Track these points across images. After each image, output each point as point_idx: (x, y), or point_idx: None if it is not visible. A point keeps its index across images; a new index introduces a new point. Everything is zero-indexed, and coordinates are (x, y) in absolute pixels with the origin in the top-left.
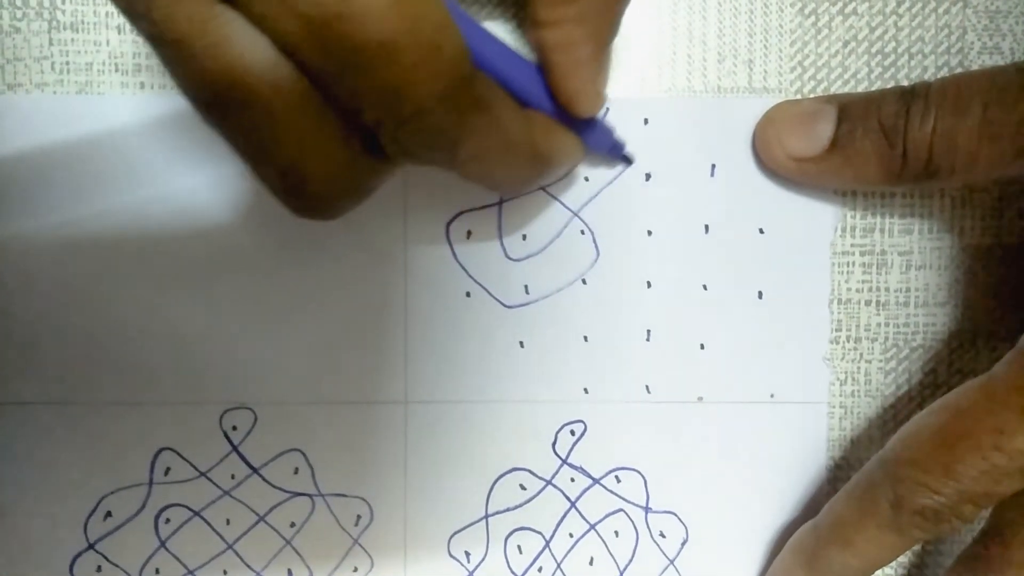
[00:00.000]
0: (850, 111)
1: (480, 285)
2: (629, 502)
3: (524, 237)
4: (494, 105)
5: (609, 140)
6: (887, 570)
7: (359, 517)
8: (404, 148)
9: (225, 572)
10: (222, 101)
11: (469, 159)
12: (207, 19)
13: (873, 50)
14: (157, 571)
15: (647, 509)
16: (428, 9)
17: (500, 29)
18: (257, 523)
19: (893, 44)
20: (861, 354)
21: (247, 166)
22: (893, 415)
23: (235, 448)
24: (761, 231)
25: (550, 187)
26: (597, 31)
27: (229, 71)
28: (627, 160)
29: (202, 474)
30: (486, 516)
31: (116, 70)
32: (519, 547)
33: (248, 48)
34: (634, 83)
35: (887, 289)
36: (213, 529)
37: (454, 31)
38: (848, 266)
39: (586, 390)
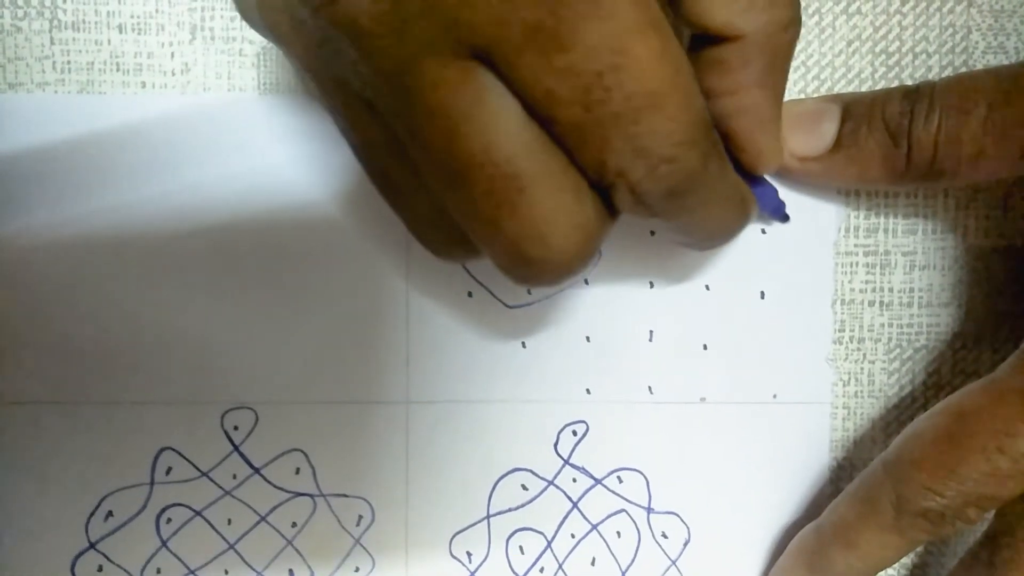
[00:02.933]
0: (854, 110)
1: (482, 285)
2: (631, 502)
3: None
4: (723, 153)
5: (775, 200)
6: (889, 572)
7: (360, 517)
8: (642, 197)
9: (226, 572)
10: (466, 169)
11: (699, 205)
12: (467, 84)
13: (877, 49)
14: (158, 571)
15: (649, 510)
16: (683, 57)
17: None
18: (258, 523)
19: (897, 43)
20: (864, 355)
21: (479, 235)
22: (896, 416)
23: (236, 448)
24: (764, 231)
25: None
26: (773, 90)
27: (481, 137)
28: (785, 219)
29: (203, 474)
30: (488, 516)
31: (117, 69)
32: (521, 547)
33: (502, 111)
34: None
35: (891, 289)
36: (214, 529)
37: (696, 82)
38: (851, 266)
39: (588, 390)
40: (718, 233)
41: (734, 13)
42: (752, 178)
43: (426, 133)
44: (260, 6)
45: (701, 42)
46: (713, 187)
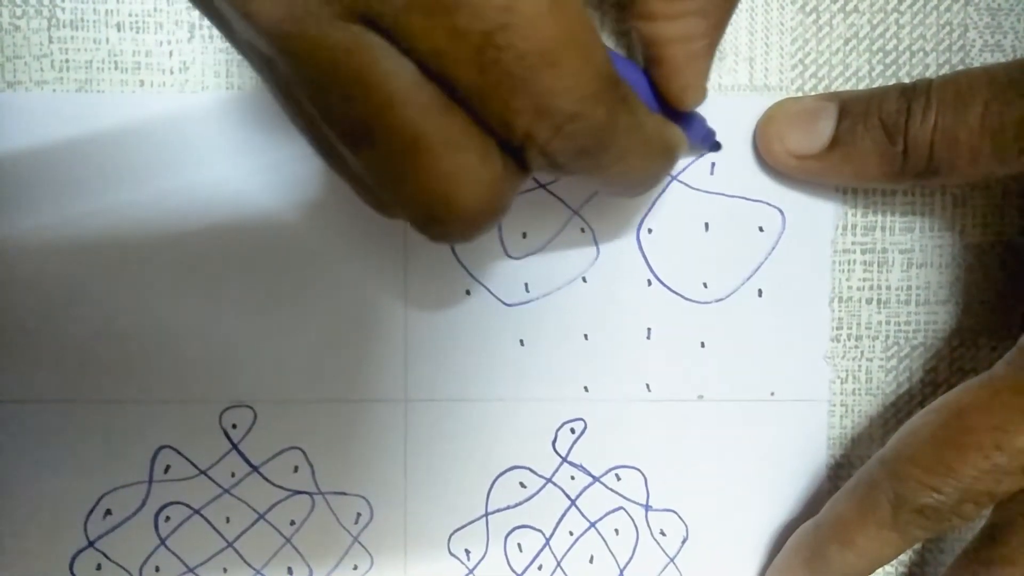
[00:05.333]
0: (851, 108)
1: (480, 283)
2: (629, 500)
3: (524, 235)
4: (634, 103)
5: (704, 129)
6: (888, 568)
7: (359, 515)
8: (552, 157)
9: (225, 570)
10: (367, 130)
11: (614, 160)
12: (358, 47)
13: (874, 47)
14: (157, 569)
15: (647, 507)
16: (580, 13)
17: None
18: (257, 521)
19: (894, 42)
20: (862, 352)
21: (385, 194)
22: (894, 413)
23: (235, 446)
24: (761, 229)
25: (551, 185)
26: (717, 22)
27: (375, 98)
28: (717, 147)
29: (202, 472)
30: (486, 514)
31: (116, 68)
32: (519, 545)
33: (394, 72)
34: None
35: (888, 287)
36: (213, 527)
37: (598, 34)
38: (849, 264)
39: (586, 388)
40: (644, 181)
41: None
42: (679, 112)
43: (321, 99)
44: None
45: None
46: (627, 140)
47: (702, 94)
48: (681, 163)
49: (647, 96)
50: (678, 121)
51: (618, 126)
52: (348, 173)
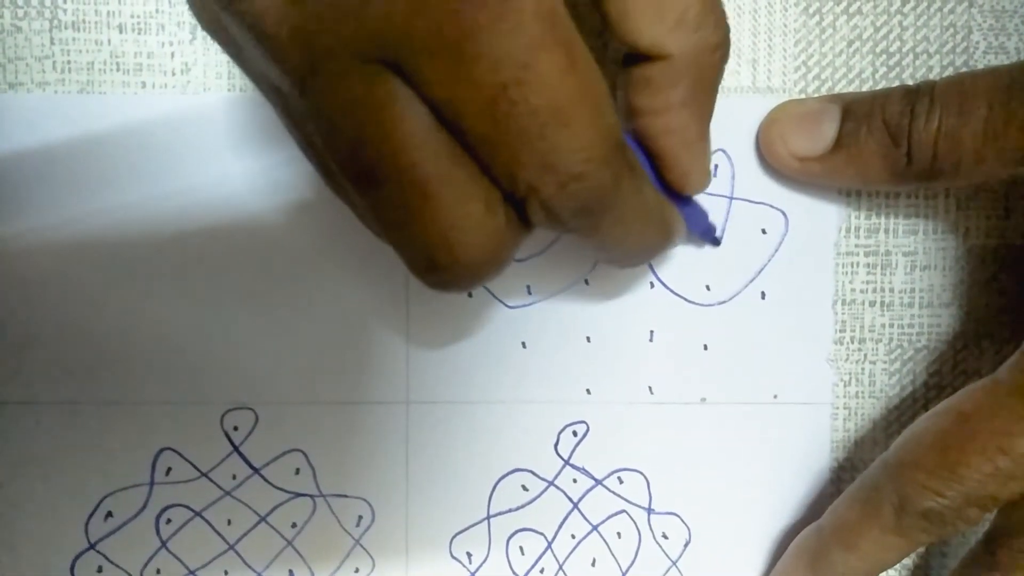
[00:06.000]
0: (854, 110)
1: (482, 285)
2: (632, 503)
3: None
4: (639, 171)
5: (705, 223)
6: (891, 573)
7: (360, 518)
8: (554, 214)
9: (226, 573)
10: (380, 173)
11: (613, 224)
12: (374, 89)
13: (878, 50)
14: (158, 571)
15: (650, 510)
16: (595, 75)
17: None
18: (258, 524)
19: (898, 44)
20: (865, 355)
21: (389, 239)
22: (897, 417)
23: (236, 448)
24: (764, 231)
25: None
26: (700, 111)
27: (388, 141)
28: (716, 242)
29: (203, 474)
30: (488, 517)
31: (118, 69)
32: (521, 548)
33: (409, 116)
34: None
35: (891, 290)
36: (214, 529)
37: (611, 99)
38: (852, 266)
39: (588, 391)
40: (637, 253)
41: (661, 33)
42: (682, 199)
43: (331, 137)
44: (193, 2)
45: (632, 59)
46: (628, 206)
47: (705, 178)
48: None
49: (651, 178)
50: (680, 207)
51: (621, 190)
52: (351, 203)
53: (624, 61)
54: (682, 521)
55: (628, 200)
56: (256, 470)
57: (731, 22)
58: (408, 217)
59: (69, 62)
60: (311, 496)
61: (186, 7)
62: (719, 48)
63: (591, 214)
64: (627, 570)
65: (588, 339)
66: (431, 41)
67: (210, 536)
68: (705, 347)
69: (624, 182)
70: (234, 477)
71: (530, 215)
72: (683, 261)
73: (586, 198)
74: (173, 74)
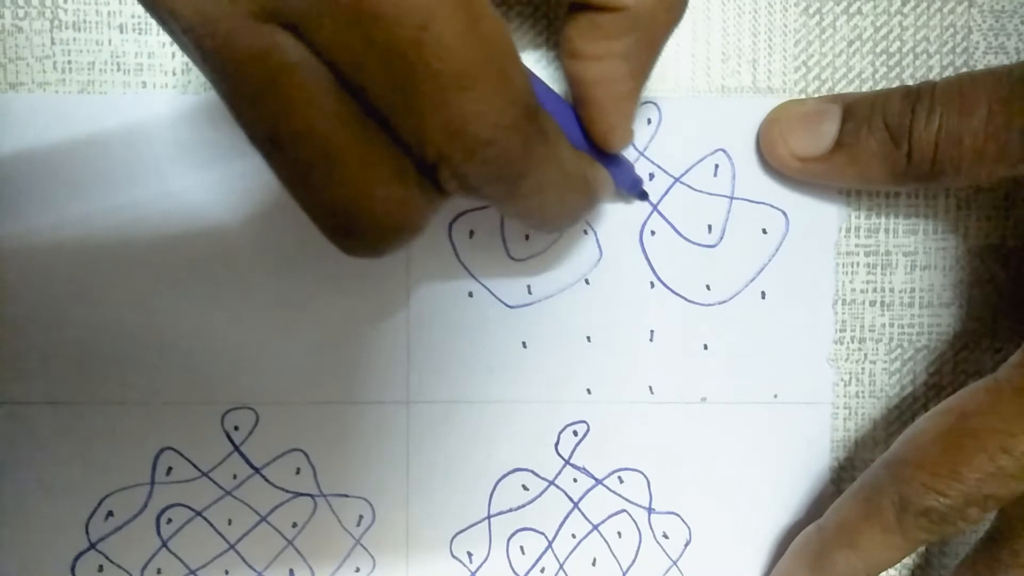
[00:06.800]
0: (855, 110)
1: (483, 285)
2: (632, 503)
3: (527, 237)
4: (553, 136)
5: (631, 176)
6: (891, 572)
7: (361, 517)
8: (466, 181)
9: (227, 572)
10: (280, 135)
11: (530, 191)
12: (268, 49)
13: (878, 50)
14: (159, 571)
15: (650, 510)
16: (500, 38)
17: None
18: (259, 523)
19: (898, 44)
20: (865, 355)
21: (298, 202)
22: (898, 416)
23: (237, 448)
24: (764, 231)
25: None
26: (639, 67)
27: (288, 103)
28: (644, 196)
29: (204, 474)
30: (488, 517)
31: (118, 69)
32: (521, 548)
33: (309, 79)
34: None
35: (892, 290)
36: (215, 529)
37: (520, 61)
38: (852, 266)
39: (589, 390)
40: (560, 217)
41: None
42: (608, 155)
43: (233, 101)
44: None
45: (581, 6)
46: (544, 172)
47: (628, 136)
48: (683, 165)
49: (576, 135)
50: (606, 164)
51: (534, 156)
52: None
53: (571, 6)
54: (682, 521)
55: (544, 166)
56: (257, 470)
57: (731, 22)
58: (312, 182)
59: (70, 62)
60: (312, 496)
61: None
62: (675, 8)
63: (505, 181)
64: (627, 570)
65: (588, 339)
66: (328, 1)
67: (211, 536)
68: (705, 347)
69: (538, 148)
70: (235, 477)
71: (442, 183)
72: (683, 261)
73: (497, 166)
74: (174, 74)
